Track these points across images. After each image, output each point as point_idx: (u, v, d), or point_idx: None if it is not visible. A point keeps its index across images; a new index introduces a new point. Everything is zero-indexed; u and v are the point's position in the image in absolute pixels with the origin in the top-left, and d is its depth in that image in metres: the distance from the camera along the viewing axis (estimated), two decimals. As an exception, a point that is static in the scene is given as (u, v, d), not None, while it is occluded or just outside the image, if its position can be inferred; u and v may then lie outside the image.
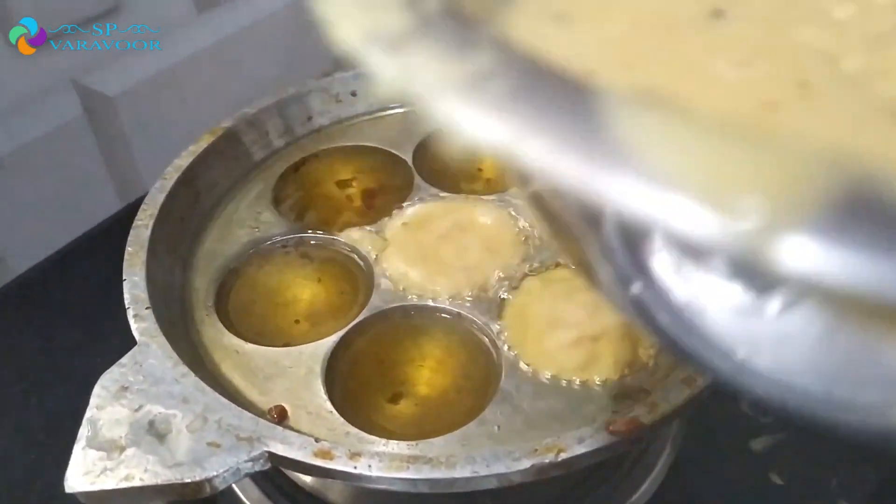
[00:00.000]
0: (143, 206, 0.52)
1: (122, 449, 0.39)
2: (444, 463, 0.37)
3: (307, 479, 0.49)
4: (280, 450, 0.38)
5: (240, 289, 0.52)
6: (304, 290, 0.52)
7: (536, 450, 0.37)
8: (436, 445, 0.41)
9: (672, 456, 0.52)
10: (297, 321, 0.50)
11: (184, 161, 0.55)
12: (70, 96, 0.78)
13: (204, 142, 0.56)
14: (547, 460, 0.37)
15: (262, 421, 0.40)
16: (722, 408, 0.55)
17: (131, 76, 0.80)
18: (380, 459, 0.37)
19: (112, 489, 0.37)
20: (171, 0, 0.84)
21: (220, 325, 0.49)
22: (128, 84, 0.80)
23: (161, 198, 0.52)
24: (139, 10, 0.81)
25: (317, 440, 0.38)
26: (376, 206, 0.56)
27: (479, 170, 0.60)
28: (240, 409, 0.40)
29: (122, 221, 0.79)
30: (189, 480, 0.37)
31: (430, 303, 0.49)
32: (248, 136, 0.59)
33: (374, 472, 0.37)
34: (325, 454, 0.38)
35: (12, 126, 0.73)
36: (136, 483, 0.37)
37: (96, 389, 0.41)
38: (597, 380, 0.44)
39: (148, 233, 0.50)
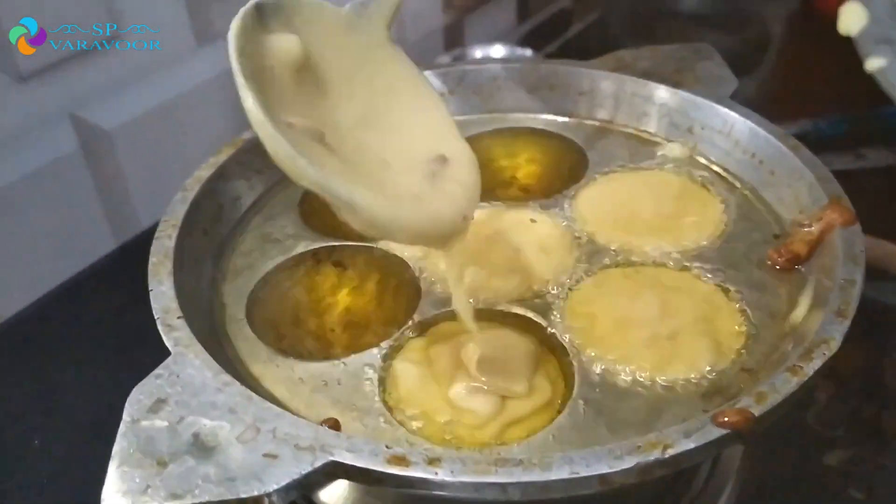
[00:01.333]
0: (163, 219, 0.47)
1: (165, 465, 0.34)
2: (537, 465, 0.33)
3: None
4: (348, 458, 0.34)
5: (271, 301, 0.47)
6: (339, 299, 0.48)
7: (640, 447, 0.33)
8: (515, 452, 0.37)
9: (741, 478, 0.48)
10: (332, 330, 0.46)
11: (205, 172, 0.51)
12: (66, 129, 0.74)
13: (224, 154, 0.53)
14: (653, 457, 0.33)
15: (322, 429, 0.35)
16: (786, 425, 0.51)
17: (129, 109, 0.77)
18: (463, 464, 0.33)
19: (157, 509, 0.32)
20: (171, 31, 0.81)
21: (255, 339, 0.44)
22: (125, 117, 0.76)
23: (183, 209, 0.48)
24: (138, 41, 0.78)
25: (388, 446, 0.34)
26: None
27: (514, 177, 0.57)
28: (295, 416, 0.36)
29: (116, 262, 0.75)
30: (245, 496, 0.33)
31: (484, 306, 0.45)
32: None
33: (458, 478, 0.33)
34: (400, 460, 0.33)
35: (4, 159, 0.69)
36: (186, 501, 0.32)
37: (130, 402, 0.36)
38: (680, 379, 0.40)
39: (172, 243, 0.46)
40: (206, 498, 0.33)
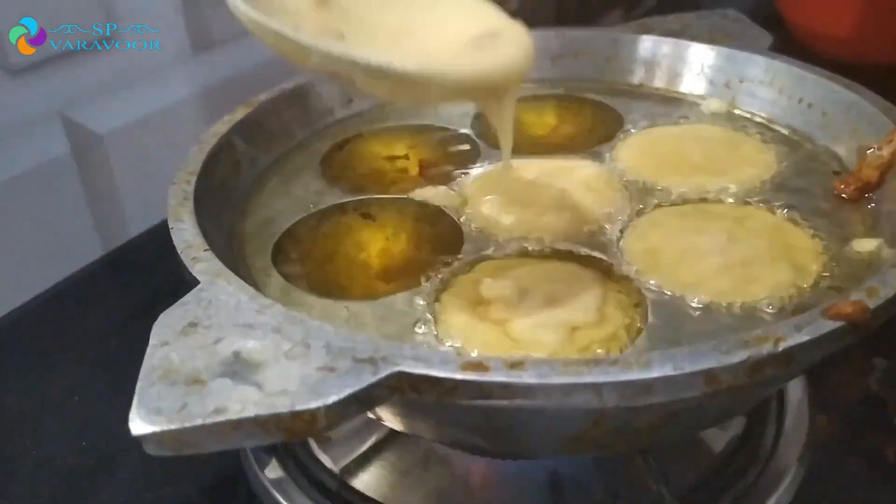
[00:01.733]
0: (179, 168, 0.44)
1: (204, 383, 0.29)
2: (635, 363, 0.29)
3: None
4: (417, 367, 0.29)
5: (300, 252, 0.43)
6: (373, 248, 0.44)
7: (748, 341, 0.29)
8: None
9: (802, 471, 0.44)
10: (370, 275, 0.42)
11: (220, 128, 0.48)
12: (57, 131, 0.70)
13: (240, 113, 0.49)
14: (765, 351, 0.29)
15: (383, 340, 0.31)
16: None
17: (122, 113, 0.73)
18: (549, 366, 0.29)
19: (198, 425, 0.27)
20: (168, 36, 0.78)
21: (287, 285, 0.40)
22: (118, 121, 0.72)
23: (200, 158, 0.44)
24: (134, 44, 0.75)
25: (459, 353, 0.29)
26: (436, 175, 0.49)
27: (545, 137, 0.54)
28: (351, 331, 0.31)
29: (103, 269, 0.70)
30: (301, 408, 0.28)
31: (535, 246, 0.41)
32: (287, 112, 0.52)
33: (546, 380, 0.28)
34: (478, 366, 0.29)
35: (-8, 159, 0.65)
36: (231, 415, 0.28)
37: (157, 328, 0.32)
38: (762, 301, 0.36)
39: (191, 187, 0.42)
40: (256, 412, 0.28)
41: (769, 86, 0.51)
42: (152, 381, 0.29)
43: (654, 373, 0.28)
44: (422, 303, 0.38)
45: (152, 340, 0.31)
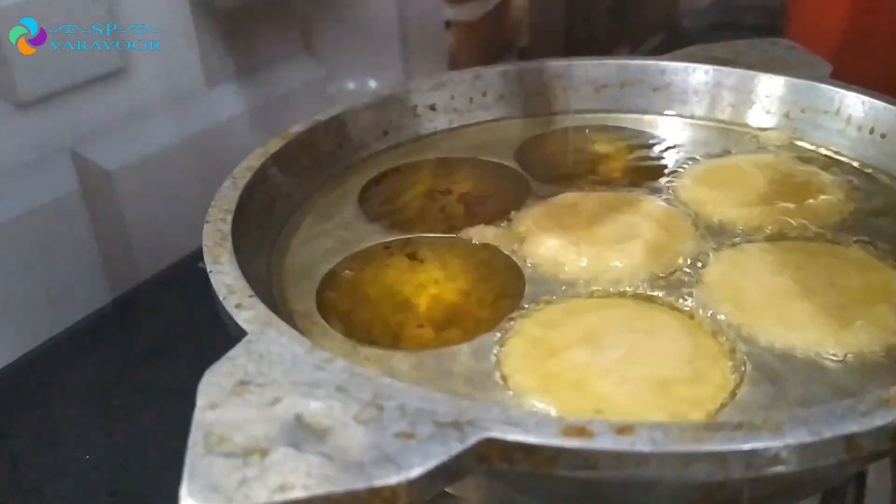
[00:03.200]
0: (212, 204, 0.40)
1: (265, 453, 0.25)
2: (763, 426, 0.25)
3: None
4: (510, 433, 0.25)
5: (344, 297, 0.39)
6: (424, 292, 0.40)
7: (887, 399, 0.26)
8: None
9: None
10: (420, 326, 0.38)
11: (255, 161, 0.44)
12: (65, 167, 0.67)
13: (273, 146, 0.46)
14: (910, 412, 0.25)
15: (466, 400, 0.27)
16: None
17: (133, 149, 0.70)
18: (664, 431, 0.25)
19: (262, 504, 0.23)
20: (181, 70, 0.75)
21: (333, 333, 0.36)
22: (128, 158, 0.69)
23: (235, 194, 0.41)
24: (146, 78, 0.72)
25: (560, 416, 0.26)
26: (485, 213, 0.45)
27: (591, 170, 0.50)
28: (427, 389, 0.27)
29: (112, 316, 0.66)
30: (381, 485, 0.24)
31: (606, 287, 0.38)
32: (323, 143, 0.49)
33: (662, 448, 0.24)
34: (581, 431, 0.25)
35: (-3, 197, 0.61)
36: (299, 494, 0.24)
37: (203, 387, 0.28)
38: (877, 348, 0.33)
39: (228, 227, 0.38)
40: (328, 489, 0.24)
41: (835, 116, 0.48)
42: (203, 451, 0.25)
43: (788, 439, 0.25)
44: (488, 355, 0.34)
45: (199, 401, 0.27)
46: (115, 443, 0.49)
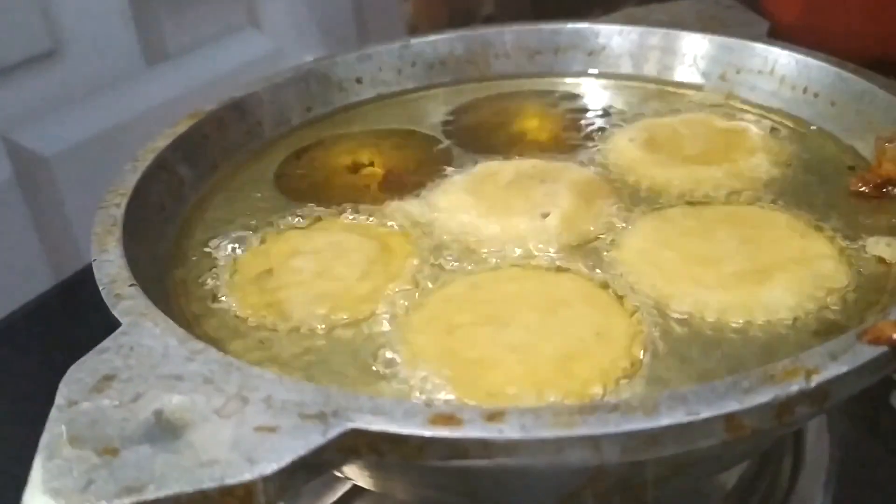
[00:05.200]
0: (109, 189, 0.38)
1: (116, 452, 0.24)
2: (639, 408, 0.23)
3: None
4: (375, 423, 0.24)
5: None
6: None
7: (773, 375, 0.24)
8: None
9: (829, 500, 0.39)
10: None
11: (160, 143, 0.42)
12: (-2, 155, 0.65)
13: (183, 125, 0.44)
14: (795, 388, 0.24)
15: (334, 390, 0.25)
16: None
17: (70, 134, 0.67)
18: (535, 415, 0.24)
19: (105, 509, 0.22)
20: (117, 49, 0.72)
21: (229, 319, 0.35)
22: (66, 143, 0.67)
23: (133, 179, 0.39)
24: (80, 58, 0.70)
25: (427, 403, 0.24)
26: (405, 183, 0.44)
27: (521, 133, 0.49)
28: (298, 380, 0.26)
29: (55, 300, 0.65)
30: (233, 483, 0.23)
31: (519, 259, 0.36)
32: (239, 122, 0.47)
33: (532, 434, 0.23)
34: (449, 419, 0.24)
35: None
36: (148, 496, 0.22)
37: (66, 383, 0.26)
38: (783, 318, 0.31)
39: (121, 212, 0.36)
40: (177, 489, 0.23)
41: (769, 76, 0.47)
42: (53, 452, 0.24)
43: (663, 420, 0.23)
44: (388, 328, 0.33)
45: (58, 399, 0.26)
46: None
